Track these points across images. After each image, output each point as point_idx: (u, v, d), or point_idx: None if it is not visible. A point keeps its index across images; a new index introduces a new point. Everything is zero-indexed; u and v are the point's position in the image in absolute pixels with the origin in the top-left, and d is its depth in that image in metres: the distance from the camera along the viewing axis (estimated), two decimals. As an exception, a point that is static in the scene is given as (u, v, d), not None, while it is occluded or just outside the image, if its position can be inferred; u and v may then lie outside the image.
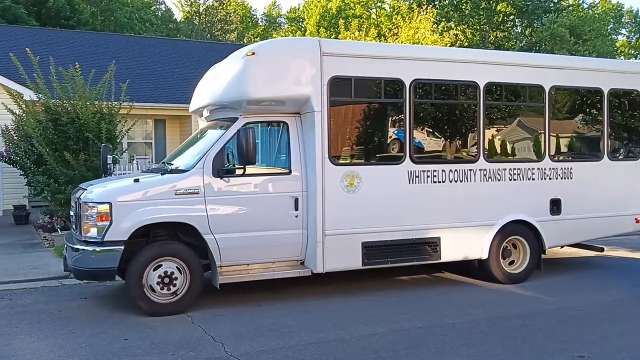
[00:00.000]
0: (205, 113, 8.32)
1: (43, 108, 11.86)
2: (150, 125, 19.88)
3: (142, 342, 5.75)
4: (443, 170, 7.76)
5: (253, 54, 6.95)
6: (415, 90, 7.62)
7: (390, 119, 7.77)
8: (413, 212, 7.60)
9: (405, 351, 5.52)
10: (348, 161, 7.41)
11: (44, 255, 10.19)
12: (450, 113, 8.10)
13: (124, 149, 14.75)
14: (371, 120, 7.73)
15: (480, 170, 7.94)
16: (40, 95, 11.80)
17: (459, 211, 7.83)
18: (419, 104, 7.77)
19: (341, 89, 7.28)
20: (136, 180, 6.76)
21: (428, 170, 7.68)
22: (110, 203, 6.45)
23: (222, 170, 6.83)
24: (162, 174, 6.91)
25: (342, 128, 7.44)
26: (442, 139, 8.09)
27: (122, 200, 6.53)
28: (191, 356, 5.36)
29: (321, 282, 7.77)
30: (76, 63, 12.11)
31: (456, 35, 39.15)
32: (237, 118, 7.11)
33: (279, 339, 5.82)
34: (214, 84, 7.69)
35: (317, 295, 7.49)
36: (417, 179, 7.61)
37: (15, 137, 13.21)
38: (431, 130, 8.06)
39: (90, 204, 6.53)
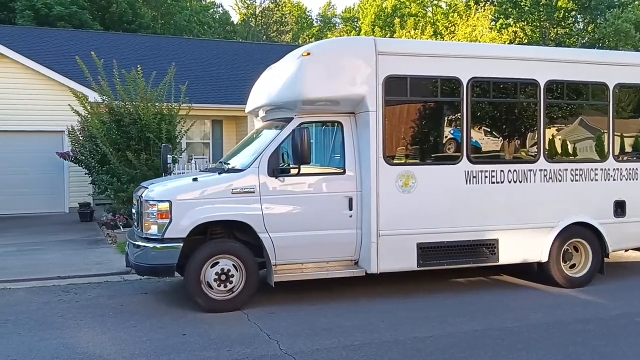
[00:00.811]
0: (261, 113, 8.43)
1: (107, 109, 12.28)
2: (208, 126, 20.29)
3: (200, 337, 5.87)
4: (502, 171, 7.58)
5: (308, 54, 6.99)
6: (472, 89, 7.48)
7: (446, 118, 7.66)
8: (470, 213, 7.46)
9: (461, 354, 5.44)
10: (403, 161, 7.35)
11: (107, 251, 10.57)
12: (508, 112, 7.91)
13: (182, 149, 15.11)
14: (427, 119, 7.65)
15: (541, 170, 7.73)
16: (105, 97, 12.22)
17: (518, 212, 7.64)
18: (477, 102, 7.62)
19: (396, 88, 7.23)
20: (195, 180, 6.91)
21: (486, 171, 7.52)
22: (170, 201, 6.63)
23: (277, 169, 6.90)
24: (219, 174, 7.04)
25: (397, 128, 7.38)
26: (501, 138, 7.91)
27: (182, 198, 6.69)
28: (247, 353, 5.44)
29: (375, 283, 7.74)
30: (138, 65, 12.49)
31: (515, 32, 38.24)
32: (292, 118, 7.17)
33: (333, 339, 5.83)
34: (269, 85, 7.78)
35: (371, 295, 7.47)
36: (474, 179, 7.47)
37: (80, 138, 13.77)
38: (489, 130, 7.89)
39: (151, 202, 6.72)
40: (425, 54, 7.39)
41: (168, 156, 8.68)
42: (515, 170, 7.62)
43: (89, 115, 12.65)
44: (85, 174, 14.53)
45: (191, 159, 17.94)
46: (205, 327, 6.22)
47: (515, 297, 7.52)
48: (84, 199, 15.79)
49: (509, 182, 7.59)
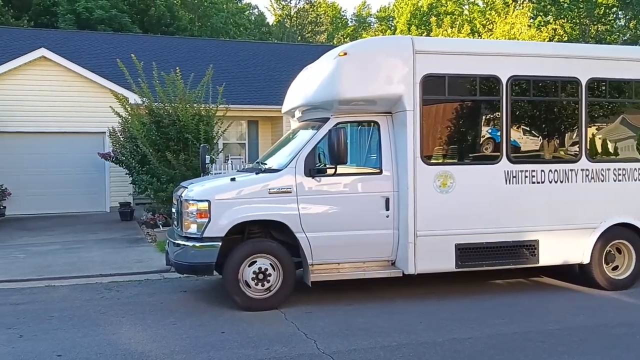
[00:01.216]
0: (297, 114, 8.47)
1: (147, 111, 12.51)
2: (244, 126, 20.48)
3: (238, 335, 5.94)
4: (542, 171, 7.45)
5: (345, 54, 6.99)
6: (512, 88, 7.37)
7: (485, 117, 7.57)
8: (510, 214, 7.35)
9: (501, 356, 5.37)
10: (441, 161, 7.29)
11: (147, 250, 10.77)
12: (549, 111, 7.76)
13: (219, 150, 15.29)
14: (465, 118, 7.56)
15: (582, 170, 7.56)
16: (144, 98, 12.45)
17: (559, 213, 7.49)
18: (517, 101, 7.50)
19: (434, 87, 7.17)
20: (232, 180, 6.99)
21: (526, 170, 7.40)
22: (209, 201, 6.72)
23: (313, 169, 6.93)
24: (256, 174, 7.10)
25: (434, 127, 7.32)
26: (541, 137, 7.76)
27: (220, 198, 6.78)
28: (285, 352, 5.48)
29: (412, 284, 7.70)
30: (177, 67, 12.69)
31: (554, 29, 37.45)
32: (329, 118, 7.18)
33: (370, 339, 5.82)
34: (306, 85, 7.81)
35: (407, 296, 7.42)
36: (514, 179, 7.36)
37: (121, 139, 14.06)
38: (529, 129, 7.76)
39: (191, 202, 6.83)
40: (464, 52, 7.31)
41: (206, 156, 8.81)
42: (556, 170, 7.48)
43: (130, 117, 12.90)
44: (126, 174, 14.83)
45: (227, 159, 18.13)
46: (243, 325, 6.29)
47: (556, 299, 7.38)
48: (124, 199, 16.11)
49: (550, 182, 7.45)
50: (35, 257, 10.12)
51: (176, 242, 6.98)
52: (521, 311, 6.80)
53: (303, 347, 5.59)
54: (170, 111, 12.15)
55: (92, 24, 34.06)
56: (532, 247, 7.40)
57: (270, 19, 54.38)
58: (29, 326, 6.26)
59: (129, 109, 12.75)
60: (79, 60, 17.31)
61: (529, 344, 5.70)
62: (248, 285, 6.80)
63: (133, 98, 13.61)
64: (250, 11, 53.12)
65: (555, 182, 7.47)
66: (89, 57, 19.23)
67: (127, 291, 7.87)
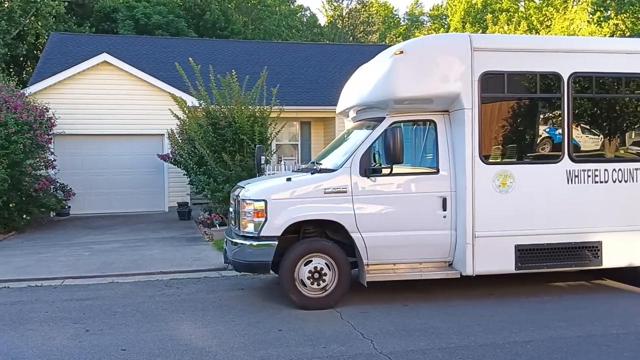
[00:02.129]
0: (352, 114, 8.48)
1: (204, 113, 12.78)
2: (296, 128, 20.63)
3: (295, 333, 5.99)
4: (605, 170, 7.21)
5: (401, 52, 6.95)
6: (574, 85, 7.17)
7: (545, 115, 7.37)
8: (572, 214, 7.15)
9: (564, 360, 5.22)
10: (500, 160, 7.14)
11: (205, 248, 11.00)
12: (612, 108, 7.50)
13: (273, 151, 15.47)
14: (525, 117, 7.37)
15: (649, 169, 7.28)
16: (202, 101, 12.72)
17: (623, 213, 7.23)
18: (578, 98, 7.28)
19: (493, 85, 7.05)
20: (288, 180, 7.06)
21: (589, 170, 7.18)
22: (265, 200, 6.81)
23: (369, 169, 6.92)
24: (311, 174, 7.14)
25: (493, 126, 7.17)
26: (604, 136, 7.50)
27: (276, 198, 6.85)
28: (342, 351, 5.49)
29: (468, 285, 7.59)
30: (232, 70, 12.92)
31: (616, 25, 36.08)
32: (384, 118, 7.16)
33: (427, 340, 5.76)
34: (361, 85, 7.81)
35: (465, 298, 7.31)
36: (576, 178, 7.15)
37: (179, 140, 14.41)
38: (591, 127, 7.52)
39: (248, 201, 6.93)
40: (523, 49, 7.16)
41: (262, 157, 8.93)
42: (620, 169, 7.22)
43: (187, 119, 13.21)
44: (184, 175, 15.19)
45: (280, 160, 18.34)
46: (299, 323, 6.34)
47: (620, 302, 7.12)
48: (182, 199, 16.53)
49: (614, 181, 7.20)
50: (99, 255, 10.49)
51: (234, 240, 7.10)
52: (584, 314, 6.59)
53: (360, 347, 5.59)
54: (226, 113, 12.37)
55: (150, 29, 35.07)
56: (595, 249, 7.17)
57: (322, 20, 54.63)
58: (95, 321, 6.50)
59: (186, 111, 13.03)
60: (139, 64, 17.88)
61: (592, 348, 5.53)
62: (304, 284, 6.85)
63: (190, 101, 13.93)
64: (302, 13, 53.49)
65: (620, 181, 7.22)
66: (148, 61, 19.83)
67: (187, 288, 8.06)
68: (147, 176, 17.20)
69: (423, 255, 7.17)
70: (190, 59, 13.19)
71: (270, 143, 13.56)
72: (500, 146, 7.23)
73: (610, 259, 7.20)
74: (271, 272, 7.18)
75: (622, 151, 7.55)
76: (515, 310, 6.82)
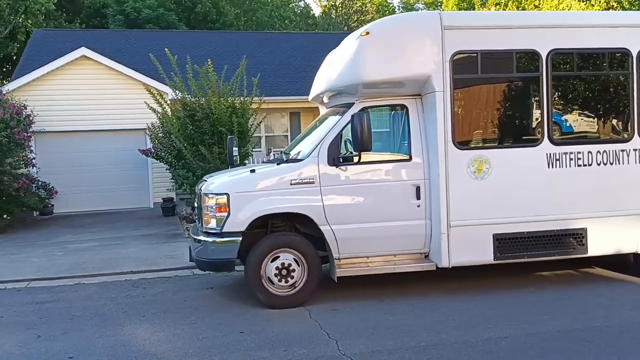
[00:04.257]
0: (326, 100, 8.08)
1: (181, 105, 12.38)
2: (286, 119, 20.21)
3: (257, 336, 5.63)
4: (589, 152, 6.80)
5: (367, 33, 6.54)
6: (553, 62, 6.74)
7: (523, 96, 6.95)
8: (553, 200, 6.75)
9: (540, 359, 4.84)
10: (475, 145, 6.74)
11: (182, 245, 10.61)
12: (595, 86, 7.08)
13: (254, 143, 15.04)
14: (501, 98, 6.94)
15: (635, 150, 6.87)
16: (178, 91, 12.31)
17: (609, 198, 6.83)
18: (558, 77, 6.86)
19: (465, 65, 6.64)
20: (252, 171, 6.69)
21: (571, 152, 6.77)
22: (227, 194, 6.42)
23: (337, 158, 6.54)
24: (277, 164, 6.76)
25: (467, 109, 6.78)
26: (587, 116, 7.09)
27: (239, 191, 6.47)
28: (303, 354, 5.13)
29: (449, 277, 7.22)
30: (208, 60, 12.48)
31: (607, 2, 35.40)
32: (354, 103, 6.77)
33: (396, 339, 5.39)
34: (329, 70, 7.42)
35: (444, 291, 6.94)
36: (557, 162, 6.75)
37: (160, 134, 14.01)
38: (573, 107, 7.09)
39: (210, 195, 6.56)
40: (497, 26, 6.75)
41: (234, 148, 8.52)
42: (605, 151, 6.82)
43: (163, 112, 12.78)
44: (166, 169, 14.81)
45: (270, 152, 17.93)
46: (264, 324, 5.98)
47: (607, 292, 6.74)
48: (167, 194, 16.14)
49: (598, 164, 6.80)
50: (72, 255, 10.14)
51: (196, 237, 6.73)
52: (567, 306, 6.22)
53: (323, 349, 5.23)
54: (203, 104, 11.96)
55: (140, 23, 34.57)
56: (579, 236, 6.78)
57: (316, 11, 54.00)
58: (49, 326, 6.15)
59: (162, 103, 12.59)
60: (123, 58, 17.44)
61: (572, 343, 5.16)
62: (271, 282, 6.49)
63: (172, 93, 13.50)
64: (296, 3, 52.86)
65: (605, 164, 6.81)
66: (132, 55, 19.36)
67: (154, 288, 7.70)
68: (131, 172, 16.81)
69: (397, 247, 6.79)
70: (166, 49, 12.74)
71: (252, 134, 13.12)
72: (475, 130, 6.81)
73: (596, 247, 6.82)
74: (239, 269, 6.82)
75: (608, 132, 7.15)
76: (494, 303, 6.45)
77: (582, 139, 6.95)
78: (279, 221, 6.78)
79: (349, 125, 6.52)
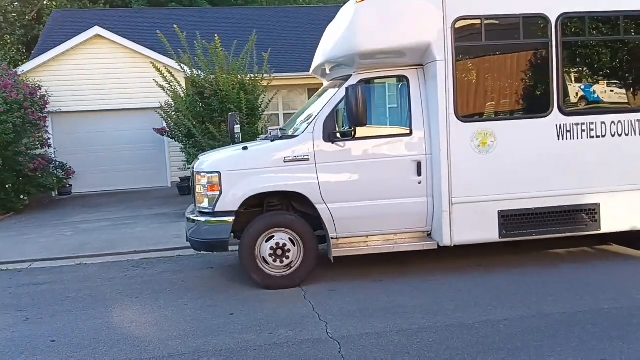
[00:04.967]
0: (328, 72, 7.75)
1: (190, 82, 12.18)
2: (305, 95, 19.87)
3: (246, 317, 5.44)
4: (602, 123, 6.37)
5: (363, 0, 6.19)
6: (563, 27, 6.30)
7: (531, 63, 6.50)
8: (564, 174, 6.37)
9: (538, 343, 4.53)
10: (479, 117, 6.37)
11: (190, 224, 10.51)
12: (609, 52, 6.61)
13: (271, 120, 14.77)
14: (507, 67, 6.52)
15: (654, 120, 6.41)
16: (186, 68, 12.09)
17: (625, 172, 6.42)
18: (569, 43, 6.40)
19: (469, 31, 6.26)
20: (245, 149, 6.45)
21: (582, 123, 6.36)
22: (219, 172, 6.21)
23: (333, 134, 6.25)
24: (271, 141, 6.51)
25: (471, 78, 6.40)
26: (600, 84, 6.63)
27: (231, 169, 6.25)
28: (289, 336, 4.91)
29: (453, 256, 6.90)
30: (215, 35, 12.21)
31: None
32: (351, 75, 6.45)
33: (389, 321, 5.14)
34: (327, 40, 7.10)
35: (449, 270, 6.64)
36: (568, 133, 6.34)
37: (173, 113, 13.85)
38: (585, 75, 6.64)
39: (202, 174, 6.36)
40: (502, -11, 6.31)
41: (236, 125, 8.28)
42: (619, 122, 6.38)
43: (176, 90, 12.58)
44: (180, 149, 14.68)
45: (266, 129, 17.63)
46: (256, 305, 5.79)
47: (622, 271, 6.35)
48: (184, 173, 16.04)
49: (612, 135, 6.38)
50: (81, 235, 10.13)
51: (189, 217, 6.55)
52: (575, 286, 5.86)
53: (311, 331, 5.01)
54: (212, 81, 11.74)
55: (163, 2, 34.39)
56: (592, 212, 6.40)
57: (342, -16, 53.05)
58: (40, 308, 6.07)
59: (171, 80, 12.35)
60: (138, 37, 17.28)
61: (576, 326, 4.82)
62: (266, 262, 6.28)
63: (188, 71, 13.29)
64: (321, -23, 51.96)
65: (619, 135, 6.39)
66: (147, 33, 19.13)
67: (154, 268, 7.60)
68: (148, 151, 16.78)
69: (398, 226, 6.51)
70: (175, 26, 12.49)
71: (262, 112, 12.86)
72: (479, 101, 6.43)
73: (610, 223, 6.43)
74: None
75: (623, 101, 6.68)
76: (499, 283, 6.13)
77: (595, 108, 6.51)
78: (276, 200, 6.55)
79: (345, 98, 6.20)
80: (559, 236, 6.52)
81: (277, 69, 14.82)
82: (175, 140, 14.24)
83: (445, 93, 6.16)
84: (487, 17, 6.23)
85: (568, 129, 6.33)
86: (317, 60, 7.54)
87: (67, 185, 16.10)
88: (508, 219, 6.32)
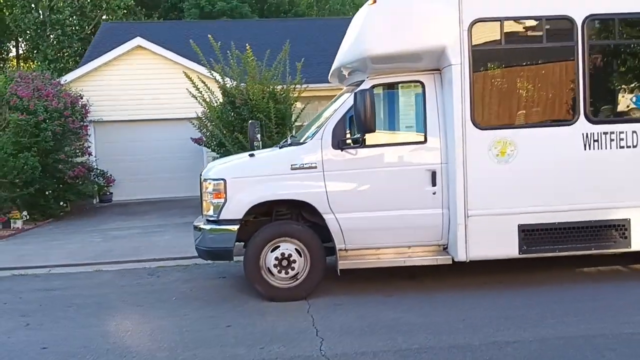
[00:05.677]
0: (346, 77, 7.51)
1: (222, 91, 12.18)
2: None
3: (242, 330, 5.24)
4: (634, 132, 5.89)
5: (374, 2, 5.95)
6: (590, 30, 5.87)
7: (555, 68, 6.09)
8: (591, 187, 5.91)
9: (545, 369, 4.14)
10: (498, 124, 5.98)
11: (215, 234, 10.43)
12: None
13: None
14: (528, 72, 6.13)
15: (690, 129, 5.88)
16: (217, 76, 12.09)
17: (659, 185, 5.89)
18: (596, 46, 5.97)
19: (487, 34, 5.92)
20: (251, 155, 6.29)
21: (612, 132, 5.89)
22: (224, 180, 6.07)
23: (342, 141, 6.01)
24: (279, 148, 6.32)
25: (489, 84, 6.04)
26: (630, 90, 6.14)
27: (236, 176, 6.10)
28: (280, 352, 4.68)
29: (473, 272, 6.49)
30: (246, 44, 12.19)
31: None
32: (364, 80, 6.21)
33: (389, 340, 4.83)
34: (343, 44, 6.88)
35: (464, 287, 6.26)
36: (595, 143, 5.89)
37: (207, 123, 13.90)
38: (614, 81, 6.18)
39: (208, 181, 6.25)
40: (523, -12, 5.94)
41: (256, 135, 8.14)
42: (653, 131, 5.88)
43: (208, 100, 12.61)
44: (213, 158, 14.71)
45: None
46: (256, 317, 5.59)
47: (655, 293, 5.82)
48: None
49: (645, 145, 5.88)
50: (108, 242, 10.21)
51: (196, 225, 6.43)
52: (597, 308, 5.38)
53: (304, 347, 4.76)
54: (242, 90, 11.69)
55: (214, 16, 35.01)
56: (621, 228, 5.91)
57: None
58: (44, 314, 6.05)
59: (202, 91, 12.35)
60: (179, 48, 17.47)
61: (590, 352, 4.39)
62: (271, 273, 6.06)
63: (221, 80, 13.30)
64: (370, -10, 51.90)
65: (653, 145, 5.88)
66: (189, 45, 19.44)
67: (167, 277, 7.52)
68: (186, 160, 16.85)
69: (411, 239, 6.19)
70: (209, 36, 12.58)
71: (294, 122, 12.72)
72: (498, 108, 6.06)
73: (642, 240, 5.91)
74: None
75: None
76: (517, 302, 5.71)
77: (625, 115, 6.03)
78: (284, 209, 6.35)
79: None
80: (584, 253, 6.04)
81: (314, 79, 14.66)
82: (211, 150, 14.31)
83: (462, 99, 5.83)
84: (507, 19, 5.88)
85: (595, 138, 5.87)
86: (334, 65, 7.33)
87: (108, 193, 16.40)
88: (529, 234, 5.90)
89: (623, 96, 6.15)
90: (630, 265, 6.78)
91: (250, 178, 6.08)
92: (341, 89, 7.60)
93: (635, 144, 5.87)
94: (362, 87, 6.05)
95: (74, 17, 31.42)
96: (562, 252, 5.98)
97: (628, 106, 6.11)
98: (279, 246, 6.07)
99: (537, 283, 6.27)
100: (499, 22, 5.87)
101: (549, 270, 6.63)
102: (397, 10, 5.93)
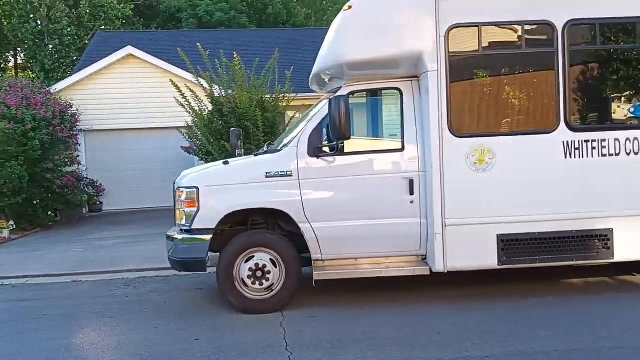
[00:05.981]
0: (327, 83, 7.37)
1: (209, 99, 12.08)
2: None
3: (209, 344, 5.08)
4: (616, 139, 5.74)
5: (350, 7, 5.84)
6: (570, 35, 5.74)
7: (535, 75, 5.96)
8: (572, 196, 5.75)
9: (515, 385, 3.97)
10: (476, 132, 5.83)
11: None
12: (622, 62, 5.98)
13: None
14: (507, 78, 6.00)
15: (675, 137, 5.73)
16: (204, 84, 12.01)
17: (642, 194, 5.74)
18: (577, 52, 5.83)
19: (464, 40, 5.78)
20: (226, 163, 6.15)
21: (593, 140, 5.74)
22: (197, 188, 5.93)
23: (318, 148, 5.87)
24: (255, 155, 6.18)
25: (467, 91, 5.89)
26: (612, 97, 6.01)
27: (209, 184, 5.96)
28: (245, 366, 4.52)
29: (453, 283, 6.33)
30: (234, 53, 12.10)
31: None
32: (341, 87, 6.08)
33: (360, 354, 4.67)
34: (321, 50, 6.75)
35: (442, 299, 6.09)
36: (576, 151, 5.74)
37: (197, 131, 13.79)
38: (596, 87, 6.04)
39: (181, 189, 6.12)
40: (501, -7, 5.82)
41: (237, 142, 8.01)
42: (636, 138, 5.73)
43: (195, 108, 12.50)
44: (204, 167, 14.60)
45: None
46: (226, 331, 5.43)
47: (636, 305, 5.64)
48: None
49: (627, 153, 5.73)
50: (90, 251, 10.07)
51: (169, 235, 6.28)
52: (578, 322, 5.19)
53: (270, 362, 4.60)
54: (230, 98, 11.59)
55: (212, 26, 35.06)
56: (604, 238, 5.74)
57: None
58: (12, 326, 5.91)
59: (189, 99, 12.24)
60: (172, 57, 17.40)
61: (565, 368, 4.23)
62: (245, 284, 5.90)
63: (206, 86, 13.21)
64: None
65: (635, 153, 5.72)
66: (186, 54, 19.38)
67: (144, 287, 7.37)
68: (178, 170, 16.46)
69: (389, 248, 6.03)
70: (198, 44, 12.54)
71: (283, 130, 12.57)
72: (475, 115, 5.91)
73: (625, 251, 5.75)
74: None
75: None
76: (495, 314, 5.54)
77: (607, 123, 5.89)
78: (260, 218, 6.20)
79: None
80: (565, 264, 5.88)
81: (306, 88, 14.55)
82: (199, 159, 14.17)
83: (439, 105, 5.69)
84: (485, 24, 5.75)
85: (576, 146, 5.72)
86: (313, 71, 7.18)
87: (98, 203, 16.26)
88: (508, 244, 5.74)
89: (605, 103, 6.00)
90: (617, 277, 6.62)
91: (224, 186, 5.94)
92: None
93: (617, 152, 5.72)
94: (338, 93, 5.93)
95: (72, 27, 31.40)
96: (543, 263, 5.81)
97: (610, 113, 5.97)
98: (253, 256, 5.91)
99: (521, 295, 6.10)
100: (477, 27, 5.74)
101: (529, 282, 6.46)
102: (373, 16, 5.81)
